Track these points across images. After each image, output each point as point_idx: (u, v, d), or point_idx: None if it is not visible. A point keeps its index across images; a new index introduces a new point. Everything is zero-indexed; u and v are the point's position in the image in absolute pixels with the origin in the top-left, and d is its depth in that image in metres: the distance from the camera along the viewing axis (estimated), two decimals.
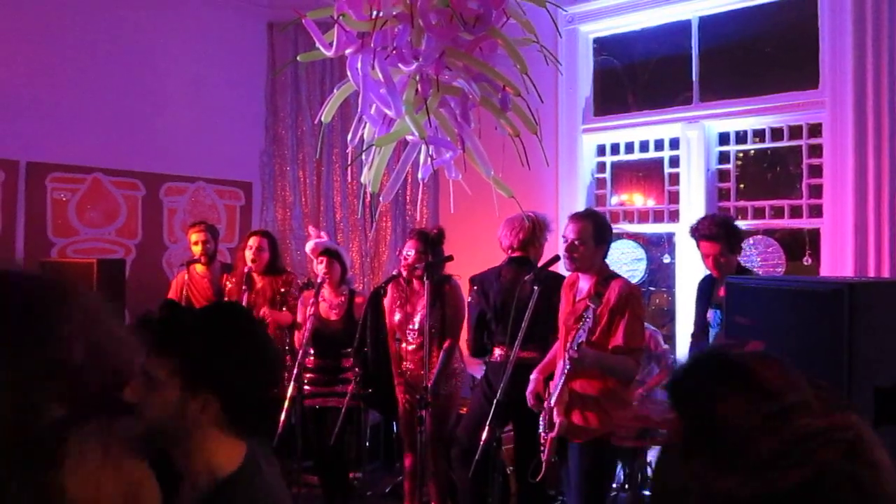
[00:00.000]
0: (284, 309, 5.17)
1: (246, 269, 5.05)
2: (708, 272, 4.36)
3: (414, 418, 4.63)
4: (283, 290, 5.18)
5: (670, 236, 5.80)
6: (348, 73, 2.70)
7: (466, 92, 2.66)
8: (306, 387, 4.84)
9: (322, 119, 2.90)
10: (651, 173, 6.23)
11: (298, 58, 2.99)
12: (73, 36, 5.70)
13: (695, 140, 5.42)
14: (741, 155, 5.85)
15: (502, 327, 4.44)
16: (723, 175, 5.41)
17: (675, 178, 5.57)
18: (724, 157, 5.42)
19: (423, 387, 4.31)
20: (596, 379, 3.61)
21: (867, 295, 2.16)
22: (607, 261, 3.92)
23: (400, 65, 2.59)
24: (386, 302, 4.83)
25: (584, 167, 6.03)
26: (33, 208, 5.53)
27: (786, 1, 5.08)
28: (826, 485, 0.81)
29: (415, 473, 4.82)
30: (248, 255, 5.08)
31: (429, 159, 2.69)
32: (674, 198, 5.58)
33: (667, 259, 6.06)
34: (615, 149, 5.98)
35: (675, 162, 5.58)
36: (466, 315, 4.73)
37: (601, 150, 6.06)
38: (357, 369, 4.41)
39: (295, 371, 4.47)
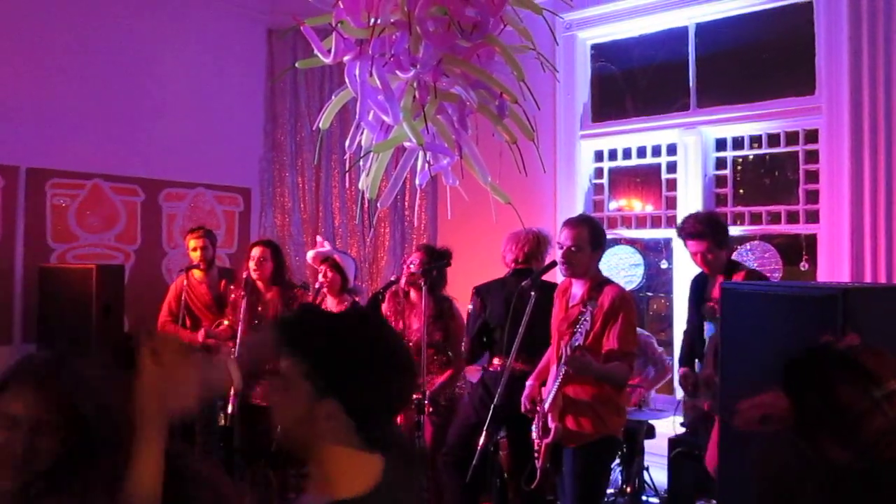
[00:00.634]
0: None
1: (245, 276, 5.05)
2: (701, 270, 4.36)
3: (411, 425, 4.64)
4: (292, 303, 5.17)
5: (668, 242, 5.82)
6: (346, 80, 2.72)
7: (464, 99, 2.68)
8: None
9: (320, 125, 2.92)
10: (649, 179, 6.24)
11: (297, 64, 3.00)
12: (73, 42, 5.72)
13: (692, 146, 5.44)
14: (740, 161, 5.86)
15: (505, 340, 4.45)
16: (720, 181, 5.43)
17: (672, 184, 5.59)
18: (721, 163, 5.44)
19: (421, 392, 4.32)
20: (589, 384, 3.61)
21: (861, 300, 2.18)
22: (603, 266, 3.94)
23: (398, 72, 2.61)
24: (384, 309, 4.84)
25: (582, 173, 6.04)
26: (33, 214, 5.54)
27: (782, 7, 5.10)
28: None
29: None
30: (251, 265, 5.08)
31: (426, 165, 2.71)
32: (671, 203, 5.60)
33: (664, 265, 6.07)
34: (613, 154, 6.00)
35: (672, 168, 5.60)
36: (466, 324, 4.75)
37: (599, 156, 6.08)
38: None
39: None
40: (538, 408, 3.76)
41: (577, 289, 3.77)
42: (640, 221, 5.87)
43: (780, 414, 1.06)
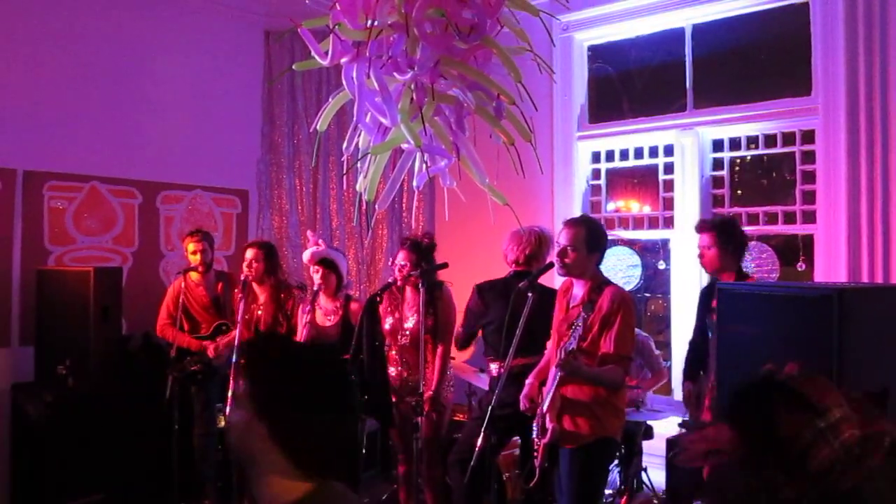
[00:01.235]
0: (283, 320, 5.16)
1: (242, 278, 5.07)
2: (709, 281, 4.40)
3: (408, 425, 4.66)
4: (286, 303, 5.17)
5: (665, 243, 5.83)
6: (344, 82, 2.72)
7: (461, 100, 2.68)
8: None
9: (318, 127, 2.92)
10: (646, 180, 6.25)
11: (294, 66, 3.00)
12: (70, 45, 5.72)
13: (689, 147, 5.45)
14: (737, 161, 5.87)
15: (501, 340, 4.46)
16: (717, 181, 5.44)
17: (669, 185, 5.60)
18: (718, 164, 5.45)
19: (418, 393, 4.33)
20: (586, 385, 3.63)
21: (856, 300, 2.18)
22: (603, 267, 3.94)
23: (395, 74, 2.61)
24: (381, 309, 4.85)
25: (580, 174, 6.05)
26: (30, 217, 5.55)
27: (778, 9, 5.11)
28: (874, 485, 0.94)
29: (410, 481, 4.84)
30: (245, 267, 5.12)
31: (424, 167, 2.71)
32: (668, 204, 5.61)
33: (662, 265, 6.08)
34: (610, 156, 6.01)
35: (669, 169, 5.61)
36: (462, 319, 4.76)
37: (596, 157, 6.08)
38: (353, 377, 4.42)
39: None
40: (538, 409, 3.76)
41: (578, 290, 3.79)
42: (638, 222, 5.88)
43: (726, 447, 1.06)
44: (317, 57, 2.72)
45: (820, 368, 2.17)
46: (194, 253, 5.41)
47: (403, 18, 2.52)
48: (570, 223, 3.79)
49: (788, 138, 5.09)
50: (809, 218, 4.94)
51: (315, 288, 4.93)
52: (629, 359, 3.69)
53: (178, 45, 6.32)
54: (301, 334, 4.78)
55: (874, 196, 4.51)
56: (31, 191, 5.55)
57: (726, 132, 5.37)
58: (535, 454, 3.74)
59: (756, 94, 5.25)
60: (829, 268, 4.70)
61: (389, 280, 4.87)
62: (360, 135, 2.91)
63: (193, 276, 5.45)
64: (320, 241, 5.05)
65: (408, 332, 4.77)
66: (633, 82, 6.59)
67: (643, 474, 4.95)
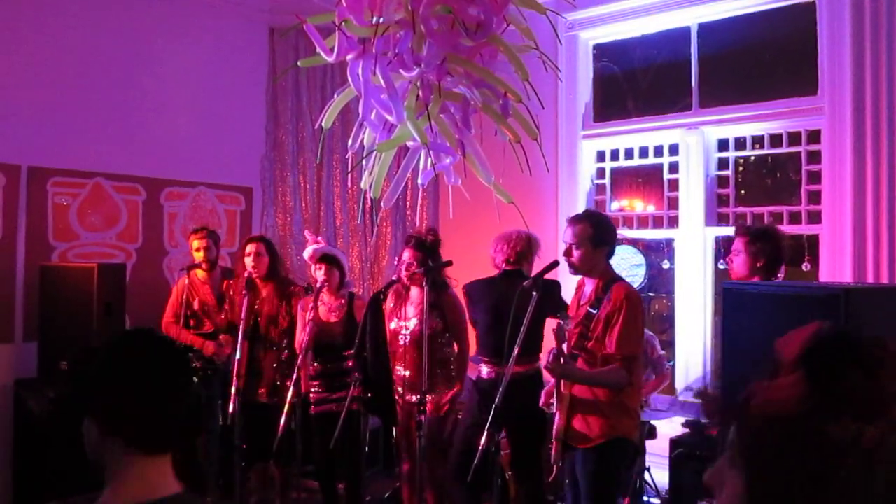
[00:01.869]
0: (283, 317, 5.15)
1: (246, 275, 5.05)
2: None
3: (411, 423, 4.65)
4: (289, 298, 5.16)
5: (669, 242, 5.82)
6: (349, 79, 2.71)
7: (468, 98, 2.67)
8: (312, 393, 4.86)
9: (322, 124, 2.92)
10: (651, 179, 6.24)
11: (299, 63, 3.00)
12: (75, 41, 5.72)
13: (694, 146, 5.44)
14: (742, 161, 5.86)
15: (491, 341, 4.46)
16: (722, 181, 5.43)
17: (674, 184, 5.58)
18: (723, 164, 5.43)
19: (421, 391, 4.33)
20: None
21: (863, 300, 2.17)
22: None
23: (401, 70, 2.61)
24: (385, 307, 4.84)
25: (584, 173, 6.04)
26: (34, 213, 5.55)
27: (784, 8, 5.10)
28: None
29: (413, 479, 4.83)
30: (248, 261, 5.08)
31: (429, 165, 2.71)
32: (673, 203, 5.59)
33: (666, 265, 6.07)
34: (615, 154, 6.00)
35: (674, 168, 5.59)
36: None
37: (601, 156, 6.07)
38: (357, 374, 4.42)
39: (294, 376, 4.48)
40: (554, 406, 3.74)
41: (589, 287, 3.75)
42: (642, 222, 5.86)
43: (792, 399, 1.05)
44: (322, 53, 2.72)
45: None
46: (198, 250, 5.40)
47: (410, 15, 2.52)
48: (573, 220, 3.74)
49: (794, 138, 5.08)
50: (815, 218, 4.93)
51: (318, 285, 4.91)
52: (633, 357, 3.58)
53: (182, 42, 6.32)
54: (303, 331, 4.77)
55: (880, 196, 4.50)
56: (36, 187, 5.55)
57: (731, 131, 5.35)
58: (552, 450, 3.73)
59: (762, 94, 5.24)
60: (835, 268, 4.68)
61: (394, 278, 4.86)
62: (364, 132, 2.90)
63: (199, 273, 5.45)
64: (319, 239, 5.03)
65: (408, 333, 4.77)
66: (639, 81, 6.59)
67: (647, 474, 4.94)
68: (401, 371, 4.81)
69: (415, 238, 4.83)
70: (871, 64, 4.53)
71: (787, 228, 5.06)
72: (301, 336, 4.77)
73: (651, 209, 6.15)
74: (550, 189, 5.94)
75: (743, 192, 6.15)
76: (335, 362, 4.83)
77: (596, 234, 3.65)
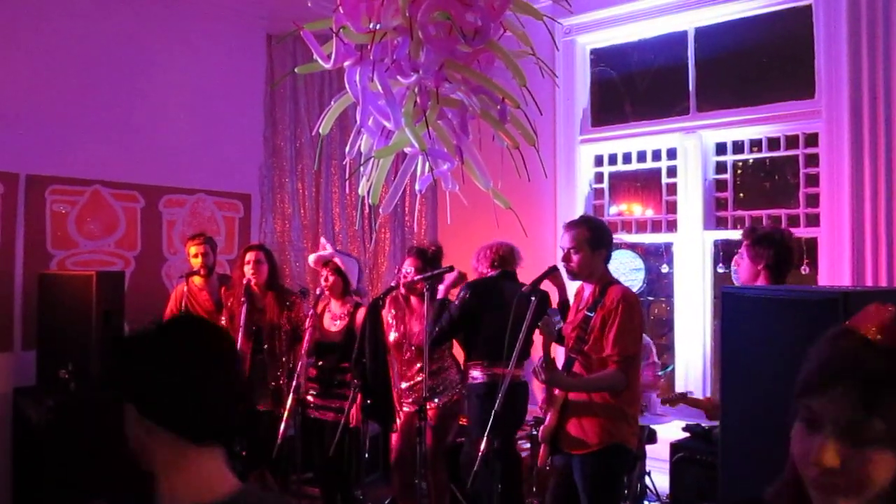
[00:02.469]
0: (284, 325, 5.14)
1: (245, 282, 5.05)
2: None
3: (411, 431, 4.65)
4: (289, 307, 5.15)
5: (668, 246, 5.82)
6: (346, 86, 2.72)
7: (466, 104, 2.67)
8: (309, 398, 4.86)
9: (320, 131, 2.92)
10: (649, 183, 6.25)
11: (296, 70, 3.00)
12: (72, 49, 5.72)
13: (692, 150, 5.44)
14: (740, 164, 5.86)
15: (489, 344, 4.45)
16: (720, 185, 5.43)
17: (672, 188, 5.59)
18: (721, 167, 5.44)
19: (423, 399, 4.33)
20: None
21: (862, 304, 2.16)
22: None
23: (399, 77, 2.61)
24: (384, 314, 4.84)
25: (582, 177, 6.05)
26: (33, 221, 5.54)
27: (781, 11, 5.11)
28: None
29: (406, 487, 4.84)
30: (248, 269, 5.08)
31: (427, 171, 2.70)
32: (672, 207, 5.60)
33: (665, 269, 6.07)
34: (613, 159, 6.00)
35: (672, 172, 5.60)
36: (447, 309, 4.71)
37: (599, 161, 6.08)
38: (356, 380, 4.42)
39: (294, 382, 4.47)
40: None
41: (587, 291, 3.75)
42: (641, 226, 5.87)
43: None
44: (319, 60, 2.71)
45: None
46: (196, 256, 5.40)
47: (407, 22, 2.52)
48: (571, 225, 3.74)
49: (792, 141, 5.09)
50: (813, 221, 4.93)
51: (318, 291, 4.92)
52: (631, 358, 3.56)
53: (180, 49, 6.32)
54: (305, 338, 4.77)
55: (878, 199, 4.50)
56: (34, 195, 5.55)
57: (729, 135, 5.36)
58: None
59: (759, 97, 5.25)
60: (833, 271, 4.69)
61: (392, 284, 4.87)
62: (362, 138, 2.90)
63: (196, 280, 5.45)
64: (328, 246, 5.04)
65: (413, 347, 4.80)
66: (636, 85, 6.59)
67: (647, 479, 4.93)
68: (405, 383, 4.84)
69: (416, 248, 4.86)
70: (867, 67, 4.54)
71: None
72: (304, 342, 4.78)
73: (650, 213, 6.15)
74: (549, 194, 5.95)
75: (741, 195, 6.15)
76: (332, 370, 4.83)
77: (593, 237, 3.65)
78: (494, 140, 2.78)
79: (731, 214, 5.33)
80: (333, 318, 4.92)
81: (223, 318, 5.23)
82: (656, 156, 5.73)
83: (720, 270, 5.39)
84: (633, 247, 6.02)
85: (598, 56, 6.17)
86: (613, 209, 6.26)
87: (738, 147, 5.36)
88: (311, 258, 5.05)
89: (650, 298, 6.72)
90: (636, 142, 5.82)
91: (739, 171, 6.24)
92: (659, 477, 4.93)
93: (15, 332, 5.43)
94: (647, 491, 4.94)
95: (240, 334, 4.79)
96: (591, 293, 3.67)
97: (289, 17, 2.86)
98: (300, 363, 4.68)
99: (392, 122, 2.57)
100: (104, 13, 5.89)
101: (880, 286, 4.43)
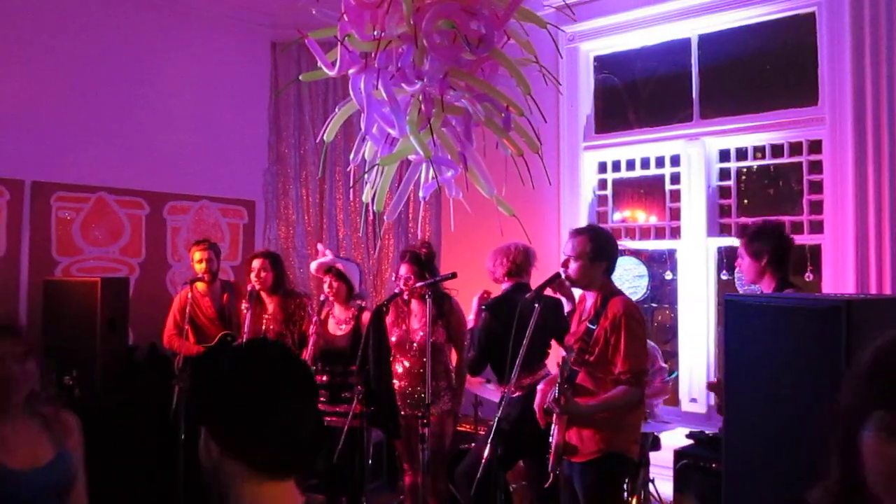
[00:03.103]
0: (293, 329, 5.14)
1: (249, 288, 5.06)
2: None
3: (413, 436, 4.65)
4: (295, 312, 5.16)
5: (672, 253, 5.81)
6: (351, 93, 2.73)
7: (470, 112, 2.68)
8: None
9: (324, 138, 2.93)
10: (652, 190, 6.24)
11: (301, 77, 3.02)
12: (78, 56, 5.75)
13: (695, 157, 5.45)
14: (745, 171, 5.86)
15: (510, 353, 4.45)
16: (724, 191, 5.43)
17: (676, 195, 5.59)
18: (724, 174, 5.44)
19: (424, 405, 4.33)
20: (589, 398, 3.58)
21: (864, 312, 2.17)
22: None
23: (403, 84, 2.62)
24: (388, 320, 4.85)
25: (586, 184, 6.05)
26: (38, 227, 5.57)
27: (784, 19, 5.11)
28: None
29: (415, 492, 4.83)
30: (253, 277, 5.12)
31: (430, 178, 2.72)
32: (675, 214, 5.60)
33: (669, 276, 6.06)
34: (616, 166, 6.01)
35: (676, 179, 5.60)
36: (470, 341, 4.72)
37: (602, 168, 6.08)
38: (359, 387, 4.42)
39: None
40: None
41: (589, 301, 3.75)
42: (644, 232, 5.87)
43: None
44: (324, 67, 2.73)
45: (828, 380, 2.16)
46: (199, 262, 5.42)
47: (412, 29, 2.53)
48: (573, 233, 3.75)
49: (795, 148, 5.08)
50: (817, 228, 4.93)
51: (322, 298, 4.93)
52: (643, 372, 3.57)
53: (184, 57, 6.35)
54: (309, 345, 4.78)
55: (882, 206, 4.50)
56: (39, 201, 5.57)
57: (733, 142, 5.36)
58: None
59: (762, 105, 5.25)
60: (837, 278, 4.68)
61: (396, 291, 4.87)
62: (366, 146, 2.91)
63: (200, 286, 5.46)
64: (327, 252, 5.05)
65: (416, 346, 4.79)
66: (639, 92, 6.60)
67: (651, 486, 4.92)
68: (401, 384, 4.83)
69: (410, 253, 4.86)
70: (871, 74, 4.54)
71: None
72: (308, 348, 4.79)
73: (653, 220, 6.15)
74: (552, 201, 5.95)
75: (745, 202, 6.14)
76: (341, 374, 4.84)
77: (594, 248, 3.63)
78: (498, 147, 2.79)
79: (735, 221, 5.33)
80: (338, 323, 4.93)
81: (231, 324, 5.26)
82: (660, 163, 5.73)
83: (724, 277, 5.39)
84: (636, 253, 6.02)
85: (602, 63, 6.18)
86: (617, 216, 6.25)
87: (741, 154, 5.36)
88: (313, 266, 5.06)
89: (654, 305, 6.71)
90: (640, 149, 5.83)
91: (744, 178, 6.24)
92: (663, 484, 4.92)
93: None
94: (651, 498, 4.93)
95: (244, 339, 4.80)
96: (593, 304, 3.67)
97: (293, 24, 2.88)
98: None
99: (396, 129, 2.58)
100: (109, 22, 5.92)
101: (884, 294, 4.42)
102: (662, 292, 6.58)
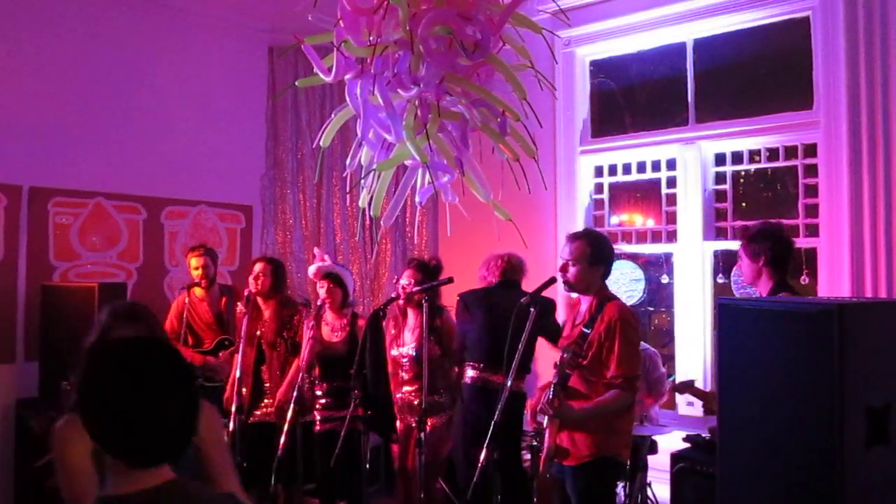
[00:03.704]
0: (286, 337, 5.14)
1: (246, 293, 5.07)
2: None
3: (411, 444, 4.67)
4: (290, 321, 5.16)
5: (668, 256, 5.83)
6: (347, 98, 2.74)
7: (466, 117, 2.69)
8: (316, 413, 4.87)
9: (321, 143, 2.94)
10: (649, 194, 6.26)
11: (297, 83, 3.02)
12: (76, 62, 5.76)
13: (691, 161, 5.46)
14: (743, 174, 5.88)
15: (480, 347, 4.51)
16: (720, 195, 5.45)
17: (672, 199, 5.60)
18: (720, 178, 5.45)
19: (420, 411, 4.34)
20: (581, 402, 3.59)
21: (857, 316, 2.18)
22: (607, 281, 3.88)
23: (400, 90, 2.63)
24: (386, 328, 4.87)
25: (582, 188, 6.06)
26: (36, 233, 5.57)
27: (779, 23, 5.13)
28: None
29: (410, 498, 4.85)
30: (251, 280, 5.13)
31: (427, 183, 2.73)
32: (671, 218, 5.61)
33: (665, 279, 6.08)
34: (613, 170, 6.02)
35: (672, 182, 5.61)
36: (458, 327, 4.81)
37: (599, 172, 6.10)
38: (357, 391, 4.43)
39: (295, 394, 4.49)
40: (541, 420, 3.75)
41: (583, 305, 3.76)
42: (641, 236, 5.88)
43: None
44: (320, 73, 2.74)
45: (823, 383, 2.17)
46: (196, 269, 5.42)
47: (408, 35, 2.54)
48: (571, 237, 3.76)
49: (791, 152, 5.10)
50: (812, 231, 4.94)
51: (319, 303, 4.94)
52: (635, 377, 3.59)
53: (182, 62, 6.36)
54: (305, 350, 4.78)
55: (877, 209, 4.52)
56: (37, 207, 5.58)
57: (728, 146, 5.38)
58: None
59: (758, 108, 5.26)
60: (833, 281, 4.69)
61: (393, 295, 4.88)
62: (362, 151, 2.92)
63: (197, 291, 5.47)
64: (325, 257, 5.06)
65: (407, 359, 4.83)
66: (636, 97, 6.62)
67: (647, 489, 4.93)
68: (400, 395, 4.86)
69: (416, 260, 4.89)
70: (865, 77, 4.56)
71: None
72: (303, 354, 4.79)
73: (650, 224, 6.16)
74: (549, 205, 5.96)
75: (742, 205, 6.16)
76: (337, 382, 4.84)
77: (593, 252, 3.65)
78: (494, 152, 2.80)
79: (731, 225, 5.34)
80: (333, 330, 4.94)
81: (229, 328, 5.27)
82: (656, 166, 5.75)
83: (720, 281, 5.40)
84: (633, 257, 6.03)
85: (598, 67, 6.19)
86: (614, 220, 6.27)
87: (737, 158, 5.38)
88: (311, 270, 5.07)
89: (650, 309, 6.73)
90: (636, 152, 5.84)
91: (742, 181, 6.26)
92: (660, 487, 4.92)
93: (17, 343, 5.45)
94: (648, 501, 4.94)
95: (241, 344, 4.81)
96: (588, 308, 3.68)
97: (290, 30, 2.89)
98: (300, 375, 4.69)
99: (393, 134, 2.59)
100: (107, 27, 5.93)
101: (878, 297, 4.44)
102: (659, 296, 6.60)
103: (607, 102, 6.37)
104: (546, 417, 3.64)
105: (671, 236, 5.62)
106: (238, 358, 4.79)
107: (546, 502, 3.87)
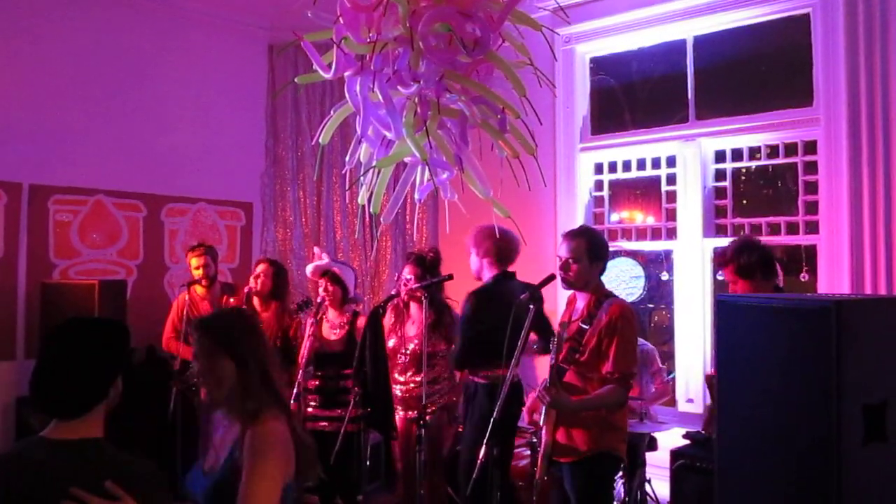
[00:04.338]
0: (279, 336, 5.14)
1: (246, 290, 5.07)
2: None
3: (410, 439, 4.67)
4: (286, 333, 5.15)
5: (668, 253, 5.83)
6: (347, 95, 2.74)
7: (466, 114, 2.69)
8: (310, 409, 4.87)
9: (321, 140, 2.94)
10: (649, 191, 6.26)
11: (297, 80, 3.02)
12: (75, 59, 5.77)
13: (691, 158, 5.46)
14: (744, 171, 5.88)
15: (481, 347, 4.46)
16: (720, 192, 5.45)
17: (672, 196, 5.60)
18: (720, 175, 5.46)
19: (421, 406, 4.34)
20: (578, 398, 3.60)
21: (854, 312, 2.18)
22: (606, 279, 3.88)
23: (399, 87, 2.63)
24: (385, 322, 4.86)
25: (582, 185, 6.06)
26: (36, 230, 5.58)
27: (779, 20, 5.13)
28: None
29: (411, 494, 4.84)
30: (252, 279, 5.14)
31: (426, 180, 2.73)
32: (671, 215, 5.61)
33: (665, 276, 6.08)
34: (613, 167, 6.02)
35: (672, 179, 5.61)
36: (468, 331, 4.74)
37: (599, 169, 6.10)
38: (356, 388, 4.43)
39: (294, 391, 4.49)
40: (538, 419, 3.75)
41: (581, 302, 3.77)
42: (641, 233, 5.88)
43: None
44: (320, 70, 2.74)
45: (820, 380, 2.17)
46: (197, 268, 5.43)
47: (408, 32, 2.54)
48: (570, 235, 3.77)
49: (790, 149, 5.10)
50: (812, 228, 4.95)
51: (318, 300, 4.94)
52: (631, 375, 3.61)
53: (182, 60, 6.36)
54: (304, 347, 4.78)
55: (876, 206, 4.52)
56: (37, 204, 5.58)
57: (728, 143, 5.38)
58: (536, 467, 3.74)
59: (758, 105, 5.26)
60: (833, 278, 4.70)
61: (393, 292, 4.88)
62: (361, 148, 2.92)
63: (198, 289, 5.47)
64: (323, 255, 5.06)
65: (409, 352, 4.81)
66: (636, 94, 6.61)
67: (647, 486, 4.93)
68: (399, 388, 4.84)
69: (415, 255, 4.87)
70: (865, 74, 4.56)
71: (784, 239, 5.09)
72: (303, 352, 4.79)
73: (650, 221, 6.17)
74: (549, 202, 5.96)
75: (745, 202, 6.17)
76: (334, 379, 4.84)
77: (592, 249, 3.68)
78: (494, 149, 2.80)
79: (731, 222, 5.34)
80: (332, 328, 4.94)
81: None
82: (656, 164, 5.75)
83: (720, 278, 5.40)
84: (633, 254, 6.03)
85: (598, 64, 6.19)
86: (614, 217, 6.27)
87: (737, 155, 5.38)
88: (309, 269, 5.07)
89: (650, 306, 6.73)
90: (636, 150, 5.84)
91: (743, 178, 6.26)
92: (659, 484, 4.93)
93: (18, 341, 5.46)
94: (648, 498, 4.95)
95: None
96: (587, 305, 3.69)
97: (290, 27, 2.89)
98: (299, 372, 4.69)
99: (393, 131, 2.59)
100: (107, 24, 5.93)
101: (877, 294, 4.44)
102: (659, 293, 6.61)
103: (607, 99, 6.37)
104: (543, 415, 3.65)
105: (671, 233, 5.62)
106: None
107: (545, 502, 3.88)
